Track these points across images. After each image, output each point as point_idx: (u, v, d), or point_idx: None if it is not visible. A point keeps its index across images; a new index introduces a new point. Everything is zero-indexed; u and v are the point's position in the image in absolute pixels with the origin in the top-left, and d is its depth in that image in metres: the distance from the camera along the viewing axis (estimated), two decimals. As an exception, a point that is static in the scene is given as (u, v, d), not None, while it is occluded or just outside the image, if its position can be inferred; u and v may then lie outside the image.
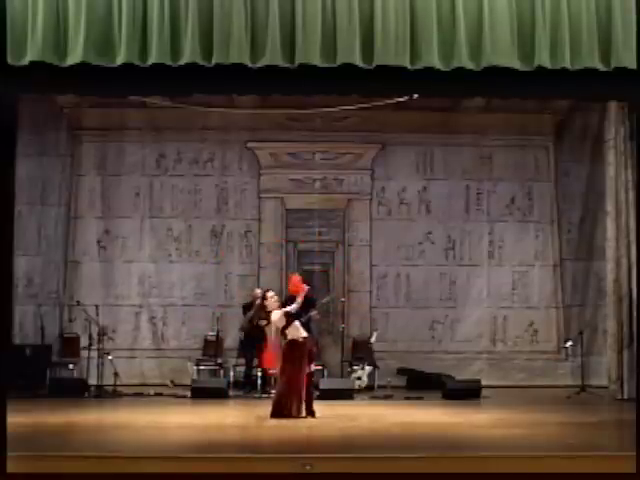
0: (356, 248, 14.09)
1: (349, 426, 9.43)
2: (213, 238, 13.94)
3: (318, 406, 10.68)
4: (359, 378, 12.78)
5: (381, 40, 8.34)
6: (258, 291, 12.13)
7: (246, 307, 12.70)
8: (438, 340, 13.92)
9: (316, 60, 8.31)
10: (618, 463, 6.99)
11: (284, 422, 9.62)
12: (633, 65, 8.37)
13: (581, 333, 12.94)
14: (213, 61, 8.29)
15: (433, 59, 8.39)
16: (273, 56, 8.29)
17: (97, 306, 12.56)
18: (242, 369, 12.77)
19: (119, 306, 13.68)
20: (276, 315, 9.95)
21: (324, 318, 13.20)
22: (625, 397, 11.76)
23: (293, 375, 9.79)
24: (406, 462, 7.09)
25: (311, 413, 9.95)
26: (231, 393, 12.19)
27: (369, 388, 12.78)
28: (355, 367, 12.94)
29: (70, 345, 13.29)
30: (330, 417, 10.04)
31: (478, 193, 14.13)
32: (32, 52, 8.23)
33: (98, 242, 13.84)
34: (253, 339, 12.30)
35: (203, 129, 13.92)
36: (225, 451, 7.75)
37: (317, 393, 11.66)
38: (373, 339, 13.36)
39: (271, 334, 10.42)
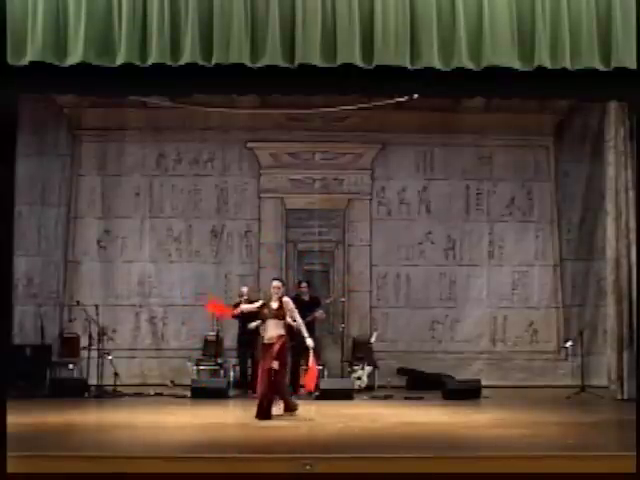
0: (356, 248, 14.07)
1: (349, 426, 9.41)
2: (213, 238, 13.93)
3: (318, 406, 10.69)
4: (359, 378, 12.76)
5: (381, 40, 8.35)
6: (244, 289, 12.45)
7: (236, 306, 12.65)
8: (438, 340, 13.89)
9: (316, 60, 8.32)
10: (618, 463, 6.99)
11: (284, 422, 9.62)
12: (633, 65, 8.39)
13: (581, 333, 12.92)
14: (213, 61, 8.31)
15: (433, 59, 8.40)
16: (273, 56, 8.30)
17: (97, 306, 12.54)
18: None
19: (119, 306, 13.66)
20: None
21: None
22: (625, 397, 11.75)
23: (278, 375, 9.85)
24: (406, 462, 7.09)
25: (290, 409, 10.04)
26: (231, 393, 12.19)
27: (369, 388, 12.75)
28: (355, 367, 12.91)
29: (70, 345, 13.26)
30: (330, 417, 10.03)
31: (478, 193, 14.11)
32: (32, 52, 8.24)
33: (98, 242, 13.82)
34: (246, 339, 12.29)
35: (203, 129, 13.89)
36: (225, 451, 7.74)
37: (317, 393, 11.67)
38: (373, 339, 13.34)
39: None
